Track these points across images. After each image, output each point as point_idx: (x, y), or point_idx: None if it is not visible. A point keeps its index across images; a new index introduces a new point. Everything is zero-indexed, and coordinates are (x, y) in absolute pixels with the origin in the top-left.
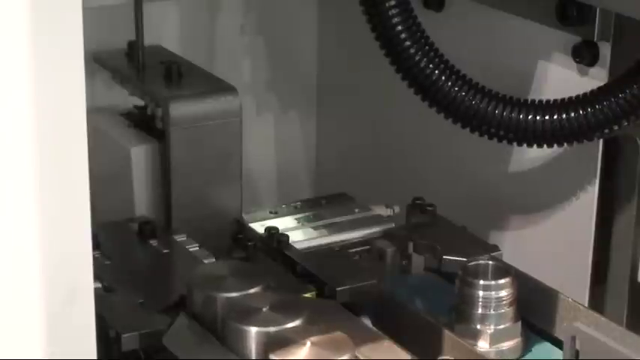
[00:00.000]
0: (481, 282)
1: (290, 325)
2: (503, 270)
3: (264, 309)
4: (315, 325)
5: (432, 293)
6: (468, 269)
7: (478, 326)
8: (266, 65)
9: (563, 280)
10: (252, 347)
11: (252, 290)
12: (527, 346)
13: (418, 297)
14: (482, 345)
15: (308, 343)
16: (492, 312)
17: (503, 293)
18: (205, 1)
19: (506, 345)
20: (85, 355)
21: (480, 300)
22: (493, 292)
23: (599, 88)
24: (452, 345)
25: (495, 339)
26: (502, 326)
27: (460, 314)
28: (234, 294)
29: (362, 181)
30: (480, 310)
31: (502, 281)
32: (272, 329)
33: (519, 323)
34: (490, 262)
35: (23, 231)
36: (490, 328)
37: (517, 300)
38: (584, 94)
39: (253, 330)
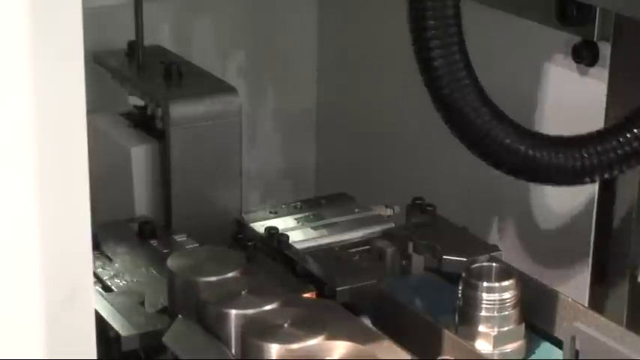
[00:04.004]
0: (485, 284)
1: (268, 307)
2: (506, 272)
3: (242, 292)
4: (293, 307)
5: (432, 293)
6: (472, 271)
7: (482, 328)
8: (266, 65)
9: (563, 280)
10: (232, 329)
11: (230, 274)
12: (531, 348)
13: (418, 297)
14: (486, 347)
15: (285, 325)
16: (496, 314)
17: (507, 295)
18: (205, 1)
19: (509, 347)
20: (85, 355)
21: (484, 302)
22: (497, 294)
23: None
24: (452, 345)
25: (499, 341)
26: (506, 328)
27: (463, 316)
28: (213, 278)
29: (362, 181)
30: (483, 313)
31: (506, 283)
32: (250, 312)
33: (523, 325)
34: (494, 264)
35: (23, 231)
36: (494, 331)
37: (521, 302)
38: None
39: (232, 313)
